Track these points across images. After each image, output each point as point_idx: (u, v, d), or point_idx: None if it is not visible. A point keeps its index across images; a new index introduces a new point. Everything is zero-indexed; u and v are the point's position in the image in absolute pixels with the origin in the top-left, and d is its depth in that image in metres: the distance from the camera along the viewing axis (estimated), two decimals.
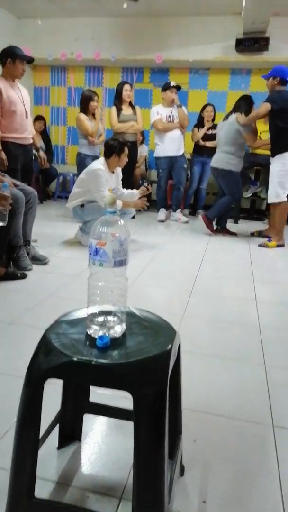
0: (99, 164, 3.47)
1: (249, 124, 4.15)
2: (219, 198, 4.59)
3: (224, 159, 4.28)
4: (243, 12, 4.57)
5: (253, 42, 5.20)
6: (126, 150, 3.51)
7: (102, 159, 3.53)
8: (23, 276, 2.63)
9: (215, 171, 4.42)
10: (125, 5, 4.62)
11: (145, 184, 3.79)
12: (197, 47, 5.55)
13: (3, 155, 3.10)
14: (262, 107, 3.86)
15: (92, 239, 0.88)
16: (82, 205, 3.54)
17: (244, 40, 5.23)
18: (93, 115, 4.61)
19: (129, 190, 3.76)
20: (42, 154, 3.65)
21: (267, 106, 3.79)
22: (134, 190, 3.75)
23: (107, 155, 3.49)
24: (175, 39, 5.59)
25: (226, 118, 4.34)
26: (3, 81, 3.14)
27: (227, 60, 5.53)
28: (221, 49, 5.49)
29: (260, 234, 4.39)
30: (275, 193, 3.95)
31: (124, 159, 3.54)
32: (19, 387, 1.47)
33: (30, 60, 3.28)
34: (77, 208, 3.58)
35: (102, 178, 3.38)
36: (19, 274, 2.62)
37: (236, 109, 4.25)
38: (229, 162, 4.27)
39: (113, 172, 3.57)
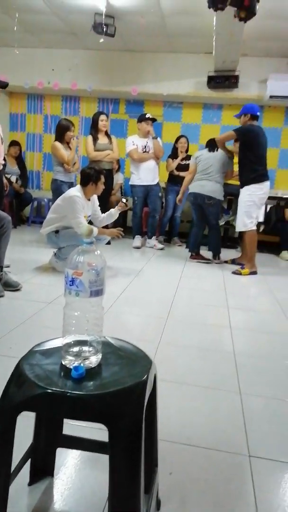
0: (76, 191, 3.50)
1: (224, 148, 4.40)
2: (195, 227, 4.68)
3: (217, 189, 4.43)
4: (214, 52, 4.83)
5: (223, 80, 5.48)
6: (103, 178, 3.57)
7: (78, 187, 3.57)
8: None
9: (209, 199, 4.43)
10: (101, 40, 4.79)
11: (123, 200, 3.83)
12: (171, 82, 5.78)
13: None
14: (226, 134, 4.21)
15: (68, 269, 0.88)
16: (56, 231, 3.54)
17: (215, 77, 5.51)
18: (68, 144, 4.68)
19: (107, 212, 3.80)
20: (5, 180, 3.63)
21: (231, 133, 4.11)
22: (112, 210, 3.80)
23: (84, 183, 3.53)
24: (150, 73, 5.82)
25: (212, 149, 4.47)
26: None
27: (199, 95, 5.78)
28: (194, 84, 5.74)
29: (233, 261, 4.49)
30: (242, 223, 4.13)
31: (101, 187, 3.59)
32: None
33: (3, 85, 3.32)
34: (51, 234, 3.57)
35: (78, 205, 3.40)
36: None
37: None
38: (221, 192, 4.47)
39: (89, 199, 3.60)
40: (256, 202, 4.06)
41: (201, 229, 4.67)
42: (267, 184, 4.07)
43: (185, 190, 4.73)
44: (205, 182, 4.44)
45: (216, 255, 4.63)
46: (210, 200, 4.44)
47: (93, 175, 3.49)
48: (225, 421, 1.53)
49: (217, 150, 4.44)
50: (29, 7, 4.55)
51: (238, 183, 5.21)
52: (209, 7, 3.05)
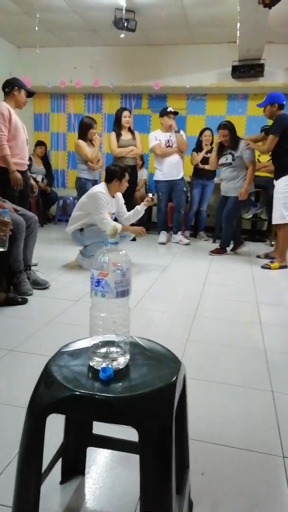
0: (101, 187, 3.51)
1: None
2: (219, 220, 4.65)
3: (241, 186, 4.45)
4: (238, 41, 4.71)
5: (248, 69, 5.34)
6: (127, 176, 3.57)
7: (103, 184, 3.57)
8: (24, 301, 2.61)
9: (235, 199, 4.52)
10: (122, 35, 4.77)
11: (149, 195, 3.81)
12: (193, 74, 5.69)
13: (19, 175, 3.19)
14: (269, 141, 3.95)
15: (93, 270, 0.87)
16: (81, 229, 3.56)
17: (239, 67, 5.37)
18: (91, 141, 4.69)
19: (133, 210, 3.79)
20: (33, 182, 3.68)
21: (273, 139, 3.89)
22: (138, 207, 3.79)
23: (108, 180, 3.53)
24: (172, 66, 5.74)
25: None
26: (10, 107, 3.24)
27: (224, 86, 5.66)
28: (217, 75, 5.63)
29: (266, 256, 4.37)
30: (280, 214, 3.98)
31: (125, 184, 3.58)
32: (20, 417, 1.44)
33: (31, 94, 3.42)
34: (76, 233, 3.60)
35: (103, 201, 3.41)
36: (19, 299, 2.60)
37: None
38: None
39: (113, 196, 3.60)
40: None
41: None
42: None
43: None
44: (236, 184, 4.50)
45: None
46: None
47: (118, 172, 3.49)
48: (257, 421, 1.50)
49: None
50: (49, 6, 4.58)
51: (266, 174, 5.08)
52: None
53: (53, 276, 3.25)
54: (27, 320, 2.35)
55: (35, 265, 3.22)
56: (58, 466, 1.12)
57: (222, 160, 4.51)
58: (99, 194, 3.42)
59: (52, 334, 2.16)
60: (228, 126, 4.43)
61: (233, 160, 4.42)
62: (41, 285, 2.91)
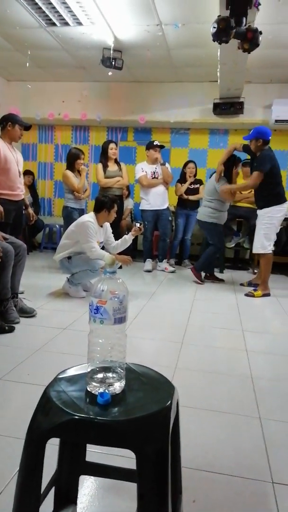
0: (89, 217, 3.58)
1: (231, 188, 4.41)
2: (204, 248, 4.75)
3: (206, 212, 4.51)
4: (219, 80, 4.98)
5: (229, 106, 5.64)
6: (116, 207, 3.66)
7: (92, 213, 3.65)
8: (11, 330, 2.59)
9: (199, 223, 4.66)
10: (110, 73, 4.99)
11: (137, 224, 3.88)
12: (177, 109, 5.96)
13: (1, 208, 3.23)
14: (255, 177, 4.02)
15: (92, 298, 0.91)
16: (69, 257, 3.60)
17: (220, 104, 5.67)
18: (79, 171, 4.81)
19: (121, 239, 3.86)
20: (31, 211, 3.79)
21: (260, 175, 3.98)
22: (126, 236, 3.86)
23: (98, 210, 3.61)
24: (157, 102, 6.01)
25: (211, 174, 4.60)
26: (1, 142, 3.37)
27: (206, 122, 5.94)
28: (200, 111, 5.91)
29: (249, 284, 4.46)
30: (261, 244, 4.10)
31: (113, 215, 3.67)
32: (8, 447, 1.43)
33: (28, 128, 3.54)
34: (64, 260, 3.63)
35: (91, 230, 3.47)
36: (6, 328, 2.59)
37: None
38: (210, 216, 4.48)
39: (101, 226, 3.67)
40: (275, 224, 4.07)
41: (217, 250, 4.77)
42: (286, 205, 4.08)
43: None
44: (200, 207, 4.68)
45: (201, 270, 4.64)
46: (199, 223, 4.67)
47: (107, 203, 3.58)
48: (246, 447, 1.52)
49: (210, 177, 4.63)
50: (41, 44, 4.79)
51: (248, 205, 5.27)
52: (214, 41, 3.18)
53: (40, 304, 3.25)
54: (15, 348, 2.34)
55: (22, 292, 3.22)
56: (51, 494, 1.11)
57: None
58: (88, 223, 3.48)
59: (40, 362, 2.16)
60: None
61: None
62: (28, 313, 2.91)
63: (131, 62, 5.13)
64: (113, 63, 4.75)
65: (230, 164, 4.44)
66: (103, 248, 3.75)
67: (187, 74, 5.59)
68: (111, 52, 4.70)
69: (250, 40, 3.09)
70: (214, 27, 3.05)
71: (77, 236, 3.52)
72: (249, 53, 3.36)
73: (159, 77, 5.78)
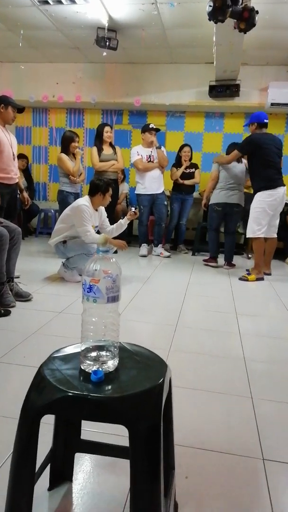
0: (84, 201, 3.56)
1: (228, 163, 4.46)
2: (213, 232, 4.77)
3: (243, 197, 4.58)
4: (214, 62, 4.91)
5: (225, 89, 5.57)
6: (111, 191, 3.63)
7: (86, 197, 3.62)
8: (7, 313, 2.60)
9: (237, 207, 4.60)
10: (104, 53, 4.90)
11: (133, 209, 3.86)
12: (173, 92, 5.88)
13: None
14: (231, 154, 4.31)
15: (85, 277, 0.92)
16: (64, 242, 3.59)
17: (216, 87, 5.60)
18: (74, 155, 4.76)
19: (116, 223, 3.84)
20: (25, 194, 3.77)
21: (236, 154, 4.24)
22: (121, 220, 3.84)
23: (92, 193, 3.58)
24: (152, 84, 5.92)
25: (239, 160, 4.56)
26: None
27: (201, 104, 5.87)
28: (196, 94, 5.83)
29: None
30: (251, 229, 4.14)
31: (108, 199, 3.65)
32: (4, 427, 1.45)
33: (21, 110, 3.47)
34: (59, 245, 3.62)
35: (86, 214, 3.46)
36: (2, 311, 2.60)
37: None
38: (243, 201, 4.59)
39: (96, 210, 3.65)
40: (266, 209, 4.07)
41: (218, 234, 4.82)
42: (280, 190, 4.07)
43: (208, 196, 4.78)
44: (231, 192, 4.55)
45: (230, 260, 4.69)
46: (238, 208, 4.59)
47: (102, 186, 3.55)
48: (238, 426, 1.55)
49: (241, 161, 4.54)
50: (34, 24, 4.67)
51: (244, 190, 5.28)
52: (210, 20, 3.12)
53: (36, 288, 3.26)
54: (10, 331, 2.35)
55: (17, 277, 3.22)
56: (46, 472, 1.14)
57: None
58: (83, 207, 3.46)
59: (36, 345, 2.17)
60: None
61: None
62: (23, 297, 2.91)
63: (126, 43, 5.03)
64: (107, 43, 4.66)
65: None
66: (98, 232, 3.74)
67: (182, 55, 5.49)
68: (106, 32, 4.60)
69: (246, 19, 3.04)
70: (210, 6, 2.99)
71: (72, 220, 3.51)
72: (245, 33, 3.31)
73: (155, 58, 5.68)
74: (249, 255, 5.46)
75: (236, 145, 4.53)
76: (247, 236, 4.32)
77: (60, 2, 4.12)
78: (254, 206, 4.11)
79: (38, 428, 0.85)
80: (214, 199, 4.62)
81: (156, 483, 0.83)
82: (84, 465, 1.27)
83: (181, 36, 4.83)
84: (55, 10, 4.31)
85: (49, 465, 1.13)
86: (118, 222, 3.84)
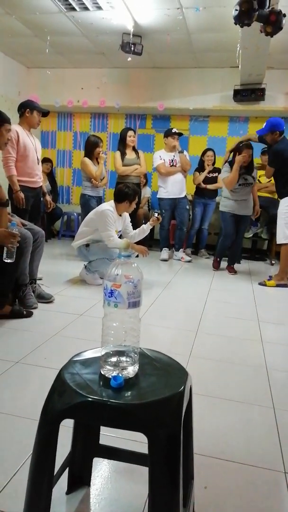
0: (109, 206, 3.57)
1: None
2: (230, 239, 4.68)
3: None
4: (240, 66, 4.87)
5: (250, 93, 5.50)
6: (137, 199, 3.66)
7: (112, 202, 3.63)
8: (29, 315, 2.64)
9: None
10: (129, 59, 4.93)
11: (155, 214, 3.85)
12: (197, 96, 5.86)
13: (21, 195, 3.31)
14: (268, 171, 4.14)
15: (107, 281, 0.91)
16: (87, 245, 3.61)
17: (241, 91, 5.54)
18: (97, 159, 4.79)
19: (139, 228, 3.85)
20: (48, 198, 3.82)
21: (271, 170, 4.08)
22: (144, 226, 3.85)
23: (119, 200, 3.58)
24: (176, 89, 5.92)
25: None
26: (20, 128, 3.39)
27: (226, 109, 5.82)
28: (220, 98, 5.79)
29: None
30: (283, 234, 4.02)
31: (133, 206, 3.69)
32: (24, 428, 1.46)
33: (46, 114, 3.53)
34: (82, 248, 3.65)
35: (110, 219, 3.48)
36: (24, 312, 2.63)
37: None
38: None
39: (120, 215, 3.66)
40: None
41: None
42: None
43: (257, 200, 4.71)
44: (245, 204, 4.53)
45: (233, 264, 4.66)
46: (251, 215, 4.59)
47: (130, 195, 3.56)
48: (259, 437, 1.51)
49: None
50: (60, 30, 4.76)
51: (266, 194, 5.19)
52: (235, 24, 3.09)
53: (58, 290, 3.29)
54: (32, 333, 2.38)
55: (40, 279, 3.27)
56: (64, 476, 1.14)
57: (242, 180, 4.42)
58: (107, 212, 3.48)
59: (57, 347, 2.19)
60: (252, 147, 4.42)
61: (253, 180, 4.49)
62: (45, 299, 2.95)
63: (150, 48, 5.05)
64: (132, 48, 4.69)
65: (234, 150, 4.40)
66: (120, 237, 3.75)
67: (207, 60, 5.47)
68: (131, 37, 4.63)
69: (273, 23, 2.99)
70: (236, 10, 2.96)
71: (96, 224, 3.53)
72: (271, 36, 3.26)
73: (179, 63, 5.68)
74: (273, 261, 5.36)
75: (268, 151, 4.36)
76: (277, 242, 4.19)
77: (87, 9, 4.18)
78: (284, 211, 4.00)
79: (58, 431, 0.85)
80: (227, 207, 4.56)
81: (175, 492, 0.81)
82: (102, 470, 1.27)
83: (206, 41, 4.81)
84: (81, 16, 4.38)
85: (67, 468, 1.13)
86: (141, 227, 3.84)
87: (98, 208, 3.66)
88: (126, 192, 3.57)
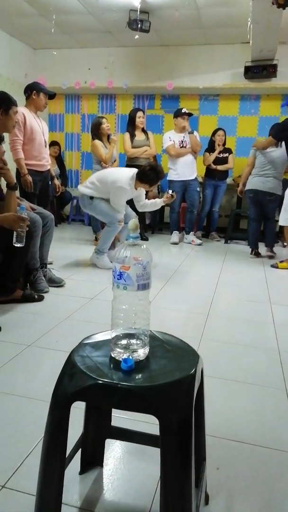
0: (128, 180, 3.44)
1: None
2: (254, 222, 4.55)
3: (278, 185, 4.32)
4: (250, 41, 4.70)
5: (261, 69, 5.33)
6: (158, 183, 3.66)
7: (133, 175, 3.47)
8: (40, 299, 2.65)
9: (270, 195, 4.33)
10: (136, 36, 4.80)
11: (170, 191, 3.83)
12: (206, 74, 5.70)
13: (29, 178, 3.29)
14: (267, 141, 4.19)
15: (116, 263, 0.90)
16: (91, 197, 3.59)
17: (252, 67, 5.36)
18: (108, 138, 4.68)
19: (152, 200, 3.85)
20: (56, 182, 3.80)
21: (271, 141, 4.13)
22: (157, 200, 3.85)
23: (141, 180, 3.46)
24: (185, 67, 5.76)
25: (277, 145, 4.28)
26: (27, 111, 3.34)
27: (236, 87, 5.66)
28: (230, 76, 5.63)
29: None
30: (283, 217, 3.97)
31: (151, 189, 3.73)
32: (37, 410, 1.47)
33: (52, 96, 3.46)
34: (85, 197, 3.62)
35: (124, 196, 3.51)
36: (36, 296, 2.65)
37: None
38: (280, 188, 4.33)
39: (136, 189, 3.60)
40: None
41: (260, 225, 4.58)
42: None
43: (245, 182, 4.57)
44: (265, 179, 4.31)
45: (272, 247, 4.53)
46: (271, 196, 4.33)
47: (154, 180, 3.48)
48: (271, 419, 1.51)
49: (280, 146, 4.23)
50: (65, 8, 4.64)
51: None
52: None
53: (68, 274, 3.30)
54: (44, 316, 2.40)
55: (51, 263, 3.27)
56: (77, 457, 1.15)
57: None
58: (124, 190, 3.44)
59: (68, 330, 2.20)
60: None
61: None
62: (56, 283, 2.96)
63: (158, 24, 4.90)
64: (140, 25, 4.56)
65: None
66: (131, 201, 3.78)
67: (217, 36, 5.30)
68: (138, 14, 4.50)
69: None
70: None
71: (108, 189, 3.49)
72: (284, 9, 3.14)
73: (188, 40, 5.52)
74: (285, 244, 5.29)
75: (277, 126, 4.31)
76: (279, 224, 4.14)
77: None
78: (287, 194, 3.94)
79: (69, 414, 0.85)
80: (247, 185, 4.47)
81: (187, 473, 0.81)
82: (115, 451, 1.28)
83: (216, 16, 4.65)
84: None
85: (80, 449, 1.14)
86: (154, 200, 3.84)
87: (117, 179, 3.46)
88: (151, 177, 3.45)
